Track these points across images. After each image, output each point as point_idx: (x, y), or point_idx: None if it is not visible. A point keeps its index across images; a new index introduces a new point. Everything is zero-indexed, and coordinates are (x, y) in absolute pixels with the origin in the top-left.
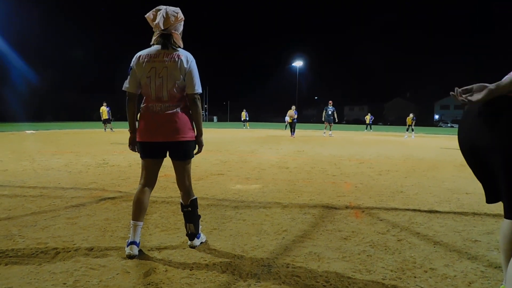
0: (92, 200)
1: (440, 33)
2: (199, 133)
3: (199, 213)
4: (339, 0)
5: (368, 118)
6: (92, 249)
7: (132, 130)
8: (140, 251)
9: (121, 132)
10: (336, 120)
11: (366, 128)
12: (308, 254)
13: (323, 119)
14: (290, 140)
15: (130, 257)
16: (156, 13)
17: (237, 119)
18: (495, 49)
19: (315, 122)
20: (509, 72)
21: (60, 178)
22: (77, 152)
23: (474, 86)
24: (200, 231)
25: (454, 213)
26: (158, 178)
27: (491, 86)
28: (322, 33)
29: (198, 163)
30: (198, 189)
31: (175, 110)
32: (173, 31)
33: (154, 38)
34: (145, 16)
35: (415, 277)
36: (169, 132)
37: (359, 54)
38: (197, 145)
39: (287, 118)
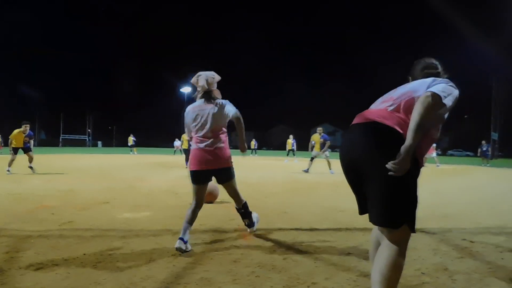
0: None
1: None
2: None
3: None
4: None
5: (253, 143)
6: None
7: None
8: None
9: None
10: None
11: (252, 153)
12: (200, 280)
13: None
14: (179, 165)
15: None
16: (198, 78)
17: (123, 144)
18: (360, 71)
19: None
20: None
21: None
22: None
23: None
24: (254, 219)
25: (331, 229)
26: (33, 210)
27: (401, 151)
28: (206, 58)
29: (79, 191)
30: (81, 220)
31: (216, 145)
32: (213, 88)
33: (199, 95)
34: (191, 81)
35: None
36: (213, 161)
37: (246, 81)
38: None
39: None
